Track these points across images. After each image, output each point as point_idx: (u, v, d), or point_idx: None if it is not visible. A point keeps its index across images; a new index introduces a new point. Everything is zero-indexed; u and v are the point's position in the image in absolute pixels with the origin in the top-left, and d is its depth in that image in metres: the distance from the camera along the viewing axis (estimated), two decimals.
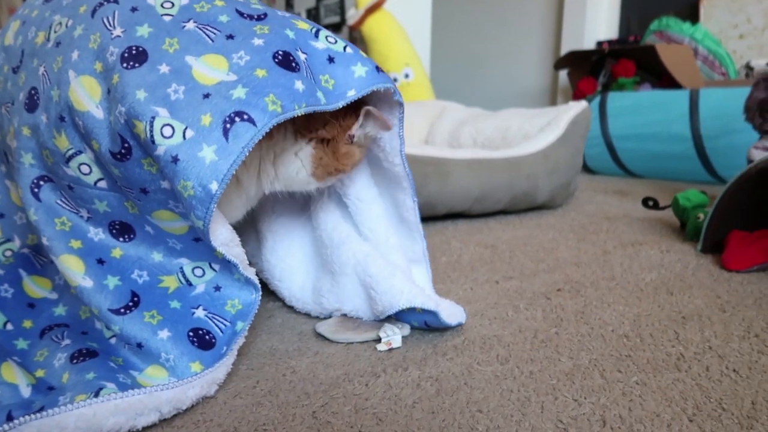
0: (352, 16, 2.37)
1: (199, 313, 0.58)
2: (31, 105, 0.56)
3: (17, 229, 0.69)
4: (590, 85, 2.60)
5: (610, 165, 2.17)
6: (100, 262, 0.58)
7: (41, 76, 0.56)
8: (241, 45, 0.53)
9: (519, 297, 0.83)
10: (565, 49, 3.01)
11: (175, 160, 0.48)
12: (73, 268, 0.56)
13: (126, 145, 0.50)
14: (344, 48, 0.59)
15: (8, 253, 0.68)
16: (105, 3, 0.56)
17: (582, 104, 1.50)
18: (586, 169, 2.28)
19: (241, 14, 0.56)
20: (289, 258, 0.76)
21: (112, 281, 0.56)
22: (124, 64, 0.51)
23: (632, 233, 1.21)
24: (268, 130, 0.50)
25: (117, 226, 0.59)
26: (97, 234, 0.59)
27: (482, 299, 0.82)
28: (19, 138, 0.58)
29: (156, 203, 0.54)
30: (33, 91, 0.56)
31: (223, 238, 0.53)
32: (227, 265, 0.59)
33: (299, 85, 0.52)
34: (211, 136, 0.48)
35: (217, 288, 0.59)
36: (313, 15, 3.21)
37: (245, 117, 0.49)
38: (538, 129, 1.53)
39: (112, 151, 0.51)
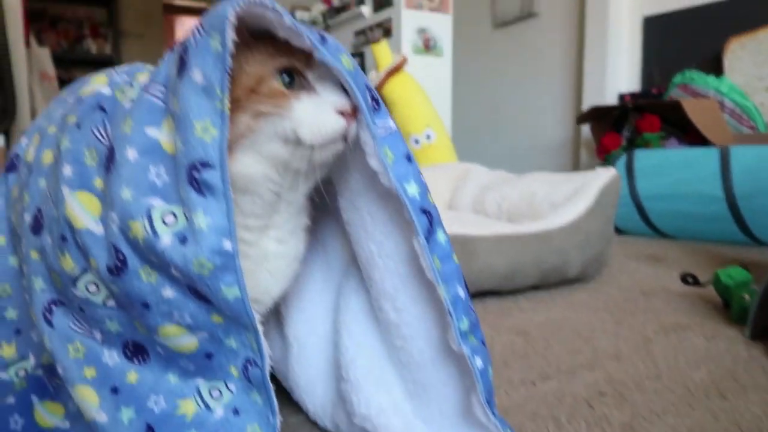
0: (372, 79, 2.39)
1: None
2: (37, 227, 0.54)
3: (33, 347, 0.66)
4: (614, 140, 2.56)
5: (639, 225, 2.11)
6: (114, 391, 0.54)
7: (45, 196, 0.54)
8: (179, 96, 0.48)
9: (559, 404, 0.77)
10: (586, 102, 2.99)
11: (184, 241, 0.45)
12: (88, 400, 0.53)
13: (120, 256, 0.47)
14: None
15: (21, 374, 0.65)
16: (92, 112, 0.53)
17: (611, 172, 1.46)
18: (615, 229, 2.22)
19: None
20: (313, 368, 0.72)
21: (127, 414, 0.53)
22: (106, 168, 0.48)
23: (672, 313, 1.15)
24: (227, 159, 0.45)
25: (131, 348, 0.55)
26: (112, 357, 0.55)
27: (519, 408, 0.76)
28: (28, 262, 0.56)
29: (160, 317, 0.51)
30: (38, 213, 0.54)
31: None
32: (244, 385, 0.55)
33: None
34: (195, 203, 0.45)
35: (236, 412, 0.55)
36: None
37: (197, 167, 0.44)
38: (564, 197, 1.49)
39: (108, 266, 0.48)
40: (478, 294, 1.32)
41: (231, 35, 0.43)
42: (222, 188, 0.44)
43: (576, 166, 3.16)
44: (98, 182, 0.51)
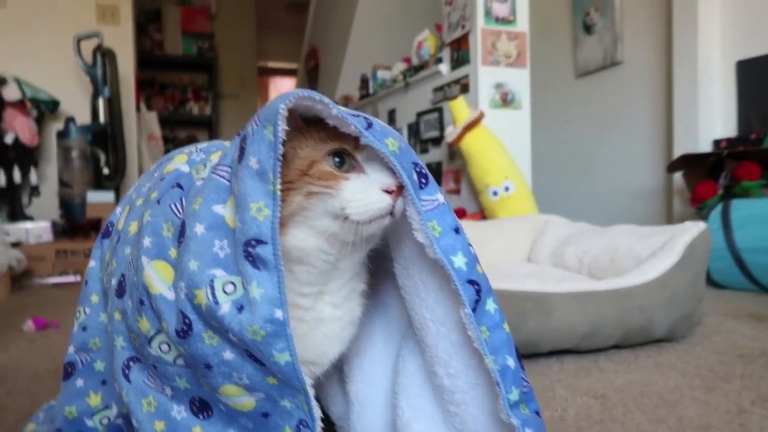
0: (450, 134, 2.43)
1: None
2: (120, 291, 0.60)
3: (116, 397, 0.71)
4: (710, 189, 2.42)
5: (739, 279, 1.95)
6: None
7: (128, 264, 0.59)
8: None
9: None
10: (678, 149, 2.86)
11: (240, 309, 0.49)
12: None
13: (187, 321, 0.51)
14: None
15: (105, 422, 0.70)
16: (171, 189, 0.59)
17: (699, 226, 1.38)
18: (712, 283, 2.07)
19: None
20: (372, 427, 0.72)
21: None
22: (178, 242, 0.53)
23: None
24: (278, 237, 0.48)
25: (197, 404, 0.59)
26: (180, 412, 0.59)
27: None
28: (112, 322, 0.61)
29: (221, 377, 0.54)
30: (122, 278, 0.60)
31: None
32: None
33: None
34: (250, 276, 0.49)
35: None
36: (414, 130, 3.34)
37: (252, 243, 0.49)
38: (649, 252, 1.42)
39: (177, 329, 0.52)
40: (555, 353, 1.27)
41: (282, 126, 0.48)
42: (274, 262, 0.48)
43: (669, 215, 3.00)
44: (173, 252, 0.56)
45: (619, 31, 3.18)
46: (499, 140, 2.43)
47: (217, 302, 0.49)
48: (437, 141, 3.08)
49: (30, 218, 3.27)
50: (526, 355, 1.24)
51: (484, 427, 0.59)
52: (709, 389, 1.02)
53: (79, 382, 0.73)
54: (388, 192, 0.53)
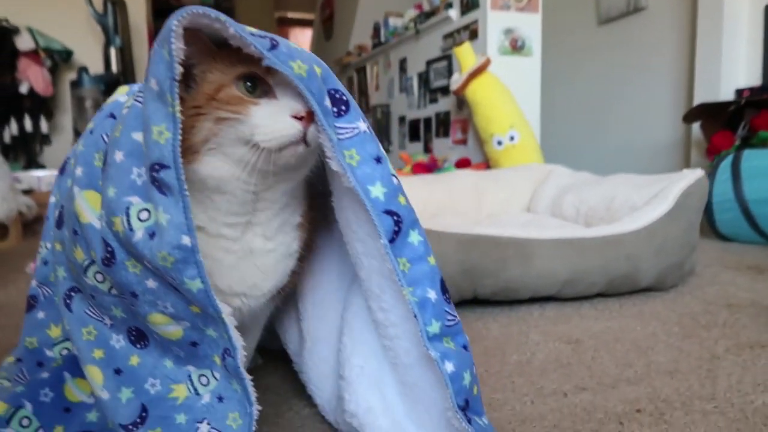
0: (455, 81, 2.37)
1: (203, 428, 0.57)
2: (60, 222, 0.60)
3: None
4: (726, 140, 2.33)
5: (747, 231, 1.90)
6: (118, 372, 0.59)
7: (67, 196, 0.60)
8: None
9: (585, 419, 0.72)
10: (698, 98, 2.74)
11: (152, 236, 0.48)
12: (95, 379, 0.58)
13: (109, 248, 0.52)
14: None
15: (64, 352, 0.72)
16: (105, 119, 0.59)
17: (696, 173, 1.33)
18: (719, 236, 2.01)
19: None
20: (323, 364, 0.73)
21: (126, 394, 0.57)
22: (102, 170, 0.53)
23: (756, 330, 1.02)
24: (180, 159, 0.47)
25: (134, 332, 0.60)
26: (119, 341, 0.60)
27: (539, 419, 0.72)
28: (55, 253, 0.62)
29: (147, 305, 0.55)
30: (61, 209, 0.60)
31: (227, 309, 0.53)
32: (226, 373, 0.58)
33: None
34: (157, 201, 0.48)
35: (220, 399, 0.58)
36: (424, 78, 3.27)
37: (156, 167, 0.47)
38: (645, 201, 1.38)
39: (101, 258, 0.52)
40: (537, 299, 1.26)
41: (178, 45, 0.45)
42: (177, 187, 0.47)
43: (686, 168, 2.91)
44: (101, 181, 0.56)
45: None
46: (507, 88, 2.36)
47: (131, 229, 0.49)
48: (446, 90, 3.01)
49: (42, 166, 3.34)
50: (507, 301, 1.24)
51: (416, 361, 0.58)
52: (686, 336, 1.01)
53: (41, 315, 0.75)
54: (297, 118, 0.51)
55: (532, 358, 0.93)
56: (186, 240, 0.48)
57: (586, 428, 0.69)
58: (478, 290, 1.17)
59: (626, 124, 3.24)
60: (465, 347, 0.55)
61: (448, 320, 0.54)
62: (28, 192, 2.49)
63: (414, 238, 0.54)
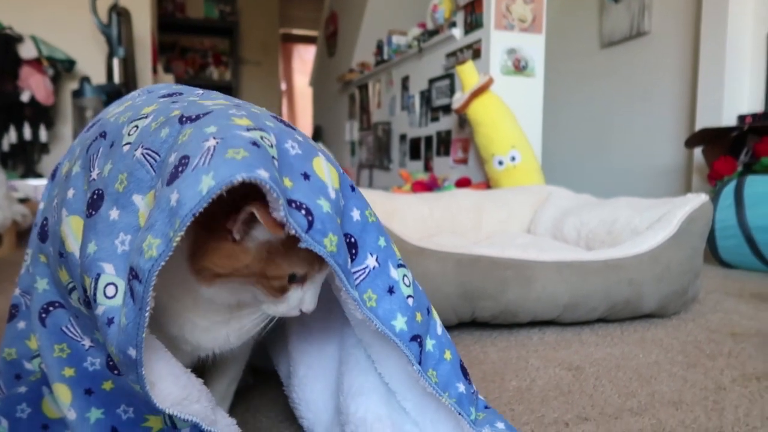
0: (457, 99, 2.36)
1: None
2: (43, 235, 0.58)
3: None
4: (728, 165, 2.32)
5: (749, 259, 1.87)
6: (88, 392, 0.56)
7: (53, 208, 0.57)
8: (166, 169, 0.47)
9: None
10: (700, 123, 2.74)
11: (110, 322, 0.45)
12: (62, 397, 0.55)
13: (87, 293, 0.49)
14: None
15: (43, 366, 0.69)
16: (97, 138, 0.56)
17: (700, 198, 1.31)
18: (721, 262, 1.99)
19: (181, 120, 0.50)
20: (317, 395, 0.70)
21: (95, 414, 0.54)
22: (88, 211, 0.50)
23: (762, 360, 0.99)
24: (153, 280, 0.44)
25: (113, 361, 0.57)
26: (94, 364, 0.57)
27: None
28: (36, 264, 0.60)
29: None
30: (45, 222, 0.58)
31: (174, 397, 0.49)
32: None
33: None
34: (125, 298, 0.45)
35: None
36: (426, 97, 3.26)
37: (133, 273, 0.44)
38: (647, 225, 1.35)
39: (81, 298, 0.50)
40: (537, 323, 1.23)
41: (215, 193, 0.42)
42: (141, 304, 0.44)
43: (687, 192, 2.89)
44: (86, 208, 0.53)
45: None
46: (509, 108, 2.35)
47: (95, 300, 0.47)
48: (448, 108, 3.01)
49: (40, 176, 3.31)
50: (505, 324, 1.21)
51: None
52: (690, 365, 0.98)
53: (21, 324, 0.72)
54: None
55: (532, 385, 0.90)
56: (132, 352, 0.45)
57: None
58: (476, 313, 1.14)
59: (627, 147, 3.23)
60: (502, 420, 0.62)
61: (480, 399, 0.62)
62: (24, 201, 2.47)
63: (429, 344, 0.58)
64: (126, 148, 0.51)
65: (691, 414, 0.79)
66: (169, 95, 0.61)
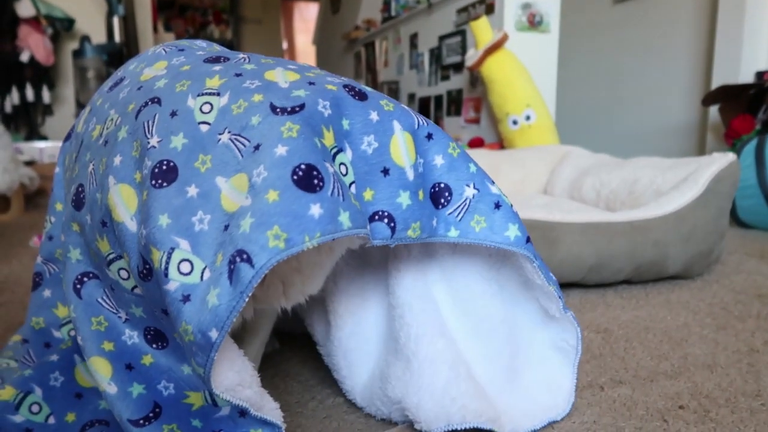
0: (470, 57, 2.30)
1: None
2: (78, 203, 0.55)
3: None
4: (746, 124, 2.27)
5: None
6: (129, 367, 0.54)
7: (89, 174, 0.55)
8: (265, 156, 0.46)
9: (626, 415, 0.68)
10: (717, 80, 2.67)
11: (186, 299, 0.43)
12: (101, 371, 0.53)
13: (147, 266, 0.47)
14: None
15: (73, 333, 0.68)
16: (149, 103, 0.52)
17: (728, 157, 1.27)
18: (739, 222, 1.97)
19: (275, 109, 0.49)
20: (357, 351, 0.68)
21: (137, 389, 0.53)
22: (153, 181, 0.47)
23: None
24: (267, 270, 0.42)
25: (152, 332, 0.55)
26: (132, 338, 0.56)
27: (578, 415, 0.68)
28: (67, 233, 0.57)
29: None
30: (80, 188, 0.55)
31: (229, 382, 0.47)
32: None
33: (315, 210, 0.43)
34: (219, 279, 0.43)
35: (243, 413, 0.52)
36: (435, 54, 3.19)
37: (244, 257, 0.42)
38: (671, 185, 1.33)
39: (138, 269, 0.47)
40: (561, 285, 1.21)
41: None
42: (244, 288, 0.42)
43: (701, 152, 2.85)
44: (138, 176, 0.50)
45: None
46: (523, 66, 2.29)
47: (167, 275, 0.44)
48: (459, 67, 2.93)
49: (44, 138, 3.27)
50: None
51: None
52: (720, 328, 0.97)
53: (47, 293, 0.71)
54: None
55: None
56: (213, 334, 0.42)
57: (629, 425, 0.65)
58: None
59: (640, 105, 3.17)
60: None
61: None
62: (29, 163, 2.44)
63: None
64: (204, 128, 0.49)
65: (726, 377, 0.77)
66: (215, 60, 0.58)
